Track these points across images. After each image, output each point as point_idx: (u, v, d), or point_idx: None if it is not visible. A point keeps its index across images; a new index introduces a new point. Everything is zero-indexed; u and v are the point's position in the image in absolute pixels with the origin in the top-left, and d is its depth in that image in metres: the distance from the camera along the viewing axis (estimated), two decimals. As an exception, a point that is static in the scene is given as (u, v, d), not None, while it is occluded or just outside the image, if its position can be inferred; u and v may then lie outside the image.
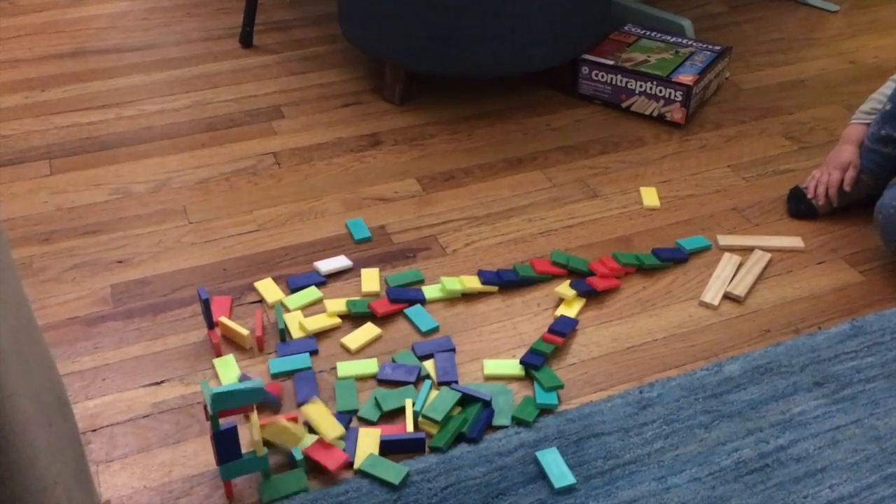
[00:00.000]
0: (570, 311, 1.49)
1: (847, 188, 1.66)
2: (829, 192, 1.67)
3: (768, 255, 1.61)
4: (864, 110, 1.71)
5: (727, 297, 1.53)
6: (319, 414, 1.27)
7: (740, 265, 1.59)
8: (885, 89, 1.68)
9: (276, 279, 1.56)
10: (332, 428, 1.25)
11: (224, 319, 1.43)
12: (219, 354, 1.41)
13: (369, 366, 1.38)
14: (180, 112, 2.06)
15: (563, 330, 1.43)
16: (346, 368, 1.38)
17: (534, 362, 1.37)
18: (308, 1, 2.55)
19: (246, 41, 2.32)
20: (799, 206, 1.72)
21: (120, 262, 1.61)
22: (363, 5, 1.99)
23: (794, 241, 1.65)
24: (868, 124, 1.68)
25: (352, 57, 2.26)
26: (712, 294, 1.53)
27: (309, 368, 1.38)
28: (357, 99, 2.11)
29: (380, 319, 1.48)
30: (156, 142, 1.95)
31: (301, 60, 2.27)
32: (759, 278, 1.57)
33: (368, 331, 1.45)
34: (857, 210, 1.71)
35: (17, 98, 2.10)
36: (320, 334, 1.45)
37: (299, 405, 1.32)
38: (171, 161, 1.89)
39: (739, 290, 1.53)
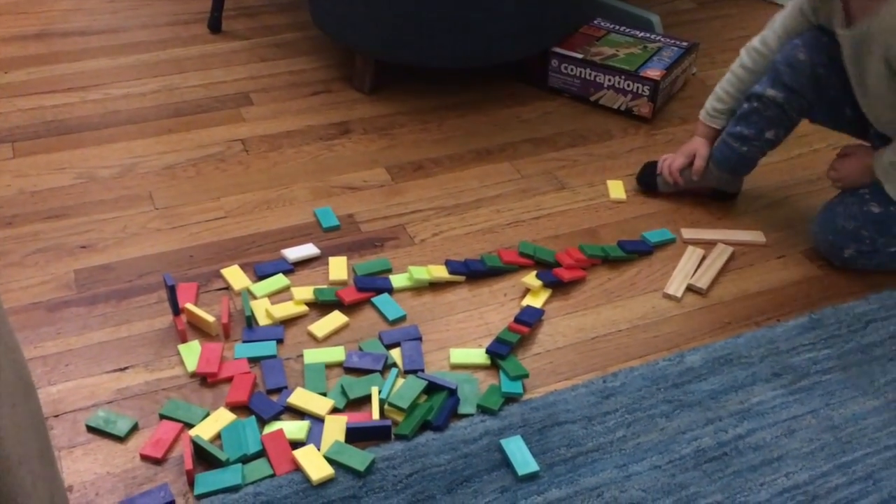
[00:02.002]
0: (537, 301, 1.51)
1: (694, 178, 1.73)
2: (672, 173, 1.74)
3: (731, 249, 1.64)
4: (709, 110, 1.73)
5: (690, 289, 1.56)
6: (305, 397, 1.30)
7: (703, 258, 1.62)
8: (727, 84, 1.70)
9: (242, 266, 1.55)
10: (321, 405, 1.29)
11: (190, 306, 1.43)
12: (184, 341, 1.40)
13: (336, 354, 1.39)
14: (147, 97, 2.04)
15: (529, 320, 1.45)
16: (313, 356, 1.38)
17: (499, 351, 1.38)
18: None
19: (214, 26, 2.30)
20: (645, 176, 1.80)
21: (84, 247, 1.59)
22: (334, -7, 1.98)
23: (756, 236, 1.69)
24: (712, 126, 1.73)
25: (322, 44, 2.25)
26: (675, 286, 1.55)
27: (275, 356, 1.38)
28: (327, 87, 2.10)
29: (347, 308, 1.48)
30: (122, 126, 1.93)
31: (270, 47, 2.26)
32: (722, 271, 1.60)
33: (335, 319, 1.45)
34: (816, 206, 1.75)
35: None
36: (287, 322, 1.45)
37: (268, 392, 1.32)
38: (137, 146, 1.87)
39: (702, 282, 1.56)
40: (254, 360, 1.38)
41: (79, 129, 1.91)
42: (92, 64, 2.15)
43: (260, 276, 1.53)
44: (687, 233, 1.68)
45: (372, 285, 1.51)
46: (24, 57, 2.16)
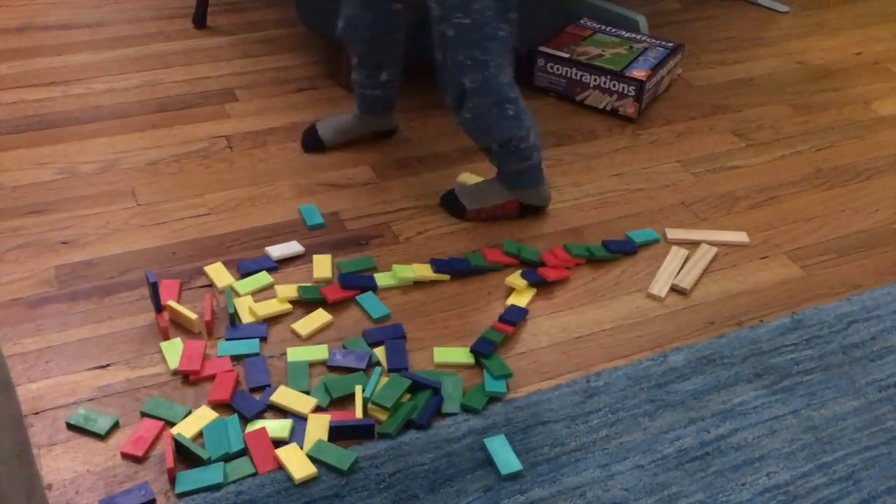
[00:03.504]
0: (521, 300, 1.51)
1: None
2: None
3: (714, 250, 1.65)
4: None
5: (674, 289, 1.56)
6: (288, 396, 1.29)
7: (687, 258, 1.63)
8: None
9: (226, 263, 1.54)
10: (304, 403, 1.29)
11: (172, 303, 1.42)
12: (166, 338, 1.39)
13: (319, 352, 1.38)
14: (130, 92, 2.02)
15: (514, 319, 1.45)
16: (297, 354, 1.37)
17: (483, 351, 1.38)
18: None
19: (199, 21, 2.29)
20: (309, 143, 1.85)
21: (65, 243, 1.58)
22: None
23: (740, 236, 1.69)
24: None
25: (307, 41, 2.24)
26: (659, 286, 1.56)
27: (258, 354, 1.38)
28: (312, 84, 2.09)
29: (331, 306, 1.47)
30: (104, 121, 1.91)
31: (255, 43, 2.25)
32: (705, 272, 1.61)
33: (319, 317, 1.45)
34: (799, 208, 1.76)
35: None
36: (270, 320, 1.44)
37: (251, 390, 1.31)
38: (119, 141, 1.85)
39: (686, 283, 1.56)
40: (237, 358, 1.37)
41: (61, 123, 1.90)
42: (74, 58, 2.13)
43: (243, 274, 1.53)
44: (671, 233, 1.69)
45: (356, 283, 1.51)
46: (5, 50, 2.14)
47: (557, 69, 2.07)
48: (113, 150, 1.82)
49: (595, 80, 2.03)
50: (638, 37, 2.17)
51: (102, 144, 1.84)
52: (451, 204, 1.70)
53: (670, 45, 2.13)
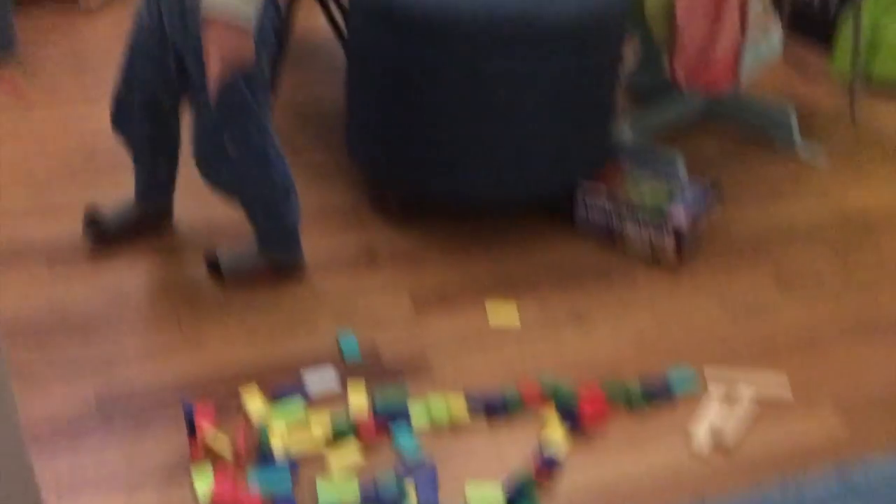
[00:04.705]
0: (556, 444, 1.48)
1: None
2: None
3: (755, 397, 1.62)
4: None
5: (714, 438, 1.52)
6: None
7: (727, 405, 1.59)
8: None
9: (262, 390, 1.55)
10: None
11: (205, 427, 1.42)
12: (198, 463, 1.38)
13: (350, 489, 1.36)
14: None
15: (549, 464, 1.42)
16: (327, 491, 1.35)
17: (518, 496, 1.35)
18: (312, 112, 2.61)
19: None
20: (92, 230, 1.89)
21: (105, 364, 1.60)
22: (369, 128, 2.05)
23: (781, 384, 1.66)
24: None
25: (351, 168, 2.29)
26: (699, 435, 1.52)
27: (290, 488, 1.35)
28: (355, 212, 2.13)
29: (364, 438, 1.46)
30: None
31: (300, 167, 2.29)
32: (746, 421, 1.57)
33: (351, 451, 1.43)
34: (842, 357, 1.74)
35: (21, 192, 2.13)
36: (303, 451, 1.43)
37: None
38: (162, 261, 1.90)
39: (726, 433, 1.53)
40: (267, 492, 1.35)
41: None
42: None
43: (278, 401, 1.52)
44: (711, 376, 1.66)
45: (391, 415, 1.50)
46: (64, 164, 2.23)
47: (597, 207, 2.10)
48: (158, 272, 1.87)
49: (635, 219, 2.05)
50: (676, 178, 2.20)
51: (150, 263, 1.89)
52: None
53: (709, 187, 2.16)
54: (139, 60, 1.69)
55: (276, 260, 1.83)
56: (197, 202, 1.97)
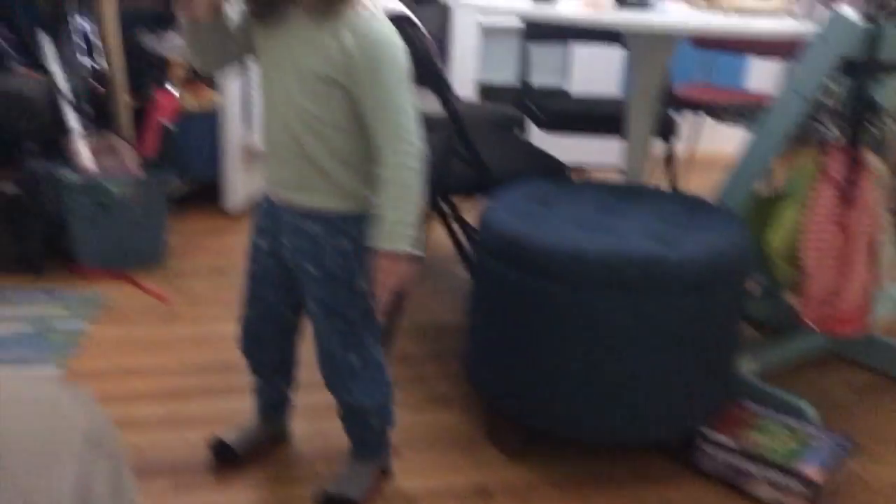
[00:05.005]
0: None
1: None
2: None
3: None
4: None
5: None
6: None
7: None
8: None
9: None
10: None
11: None
12: None
13: None
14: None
15: None
16: None
17: None
18: (434, 335, 2.65)
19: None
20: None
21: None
22: (489, 357, 2.07)
23: None
24: None
25: (469, 398, 2.29)
26: None
27: None
28: (470, 443, 2.11)
29: None
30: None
31: (417, 392, 2.31)
32: None
33: None
34: None
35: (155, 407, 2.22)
36: None
37: None
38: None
39: None
40: None
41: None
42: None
43: None
44: None
45: None
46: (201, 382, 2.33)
47: (719, 453, 2.01)
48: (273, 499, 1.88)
49: (761, 470, 1.95)
50: (807, 427, 2.09)
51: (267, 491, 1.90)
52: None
53: (843, 438, 2.04)
54: (259, 287, 1.80)
55: (381, 464, 1.86)
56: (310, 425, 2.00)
